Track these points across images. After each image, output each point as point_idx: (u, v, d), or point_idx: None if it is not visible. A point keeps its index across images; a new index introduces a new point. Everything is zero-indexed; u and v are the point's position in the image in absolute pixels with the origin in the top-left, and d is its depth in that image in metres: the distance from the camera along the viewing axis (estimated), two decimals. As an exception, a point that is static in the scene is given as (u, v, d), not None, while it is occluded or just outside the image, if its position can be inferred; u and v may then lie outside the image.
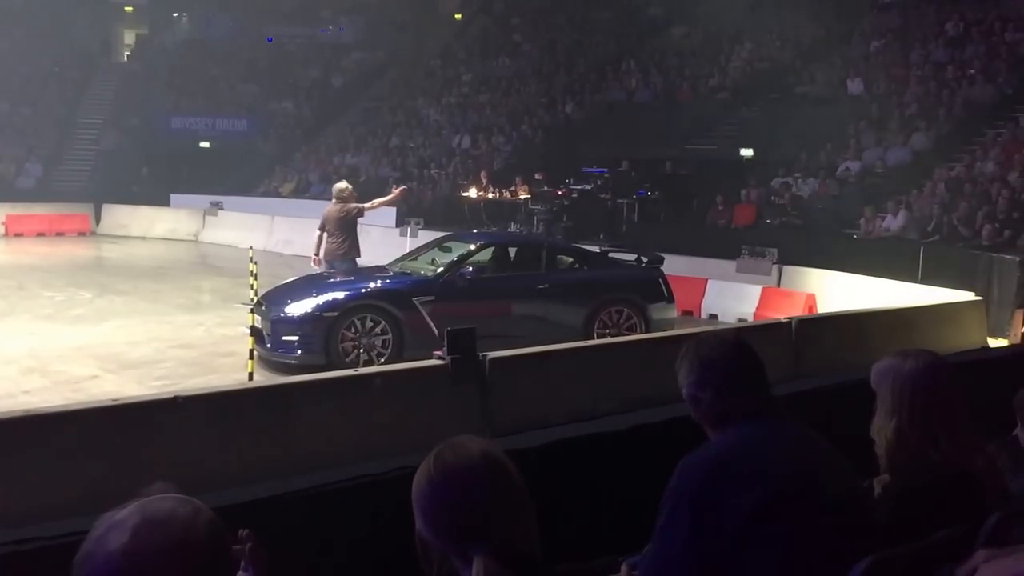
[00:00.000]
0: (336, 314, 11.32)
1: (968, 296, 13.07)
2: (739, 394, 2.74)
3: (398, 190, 15.69)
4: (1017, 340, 12.55)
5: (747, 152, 23.25)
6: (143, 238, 27.22)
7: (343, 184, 14.06)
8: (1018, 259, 14.19)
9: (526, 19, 38.10)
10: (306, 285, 12.40)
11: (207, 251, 25.35)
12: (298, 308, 11.47)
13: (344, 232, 13.25)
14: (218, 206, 27.99)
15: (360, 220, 13.57)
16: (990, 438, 3.47)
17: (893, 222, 17.93)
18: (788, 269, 16.61)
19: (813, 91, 25.14)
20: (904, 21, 26.48)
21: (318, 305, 11.45)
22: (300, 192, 30.66)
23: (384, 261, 13.91)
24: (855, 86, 24.10)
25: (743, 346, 2.90)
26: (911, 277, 14.88)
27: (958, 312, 12.45)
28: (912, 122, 21.37)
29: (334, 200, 13.55)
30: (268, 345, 11.35)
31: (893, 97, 22.75)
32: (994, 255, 14.86)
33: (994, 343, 12.39)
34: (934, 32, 25.12)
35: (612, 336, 12.12)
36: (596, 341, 11.13)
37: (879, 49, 25.49)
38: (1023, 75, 21.92)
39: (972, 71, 22.37)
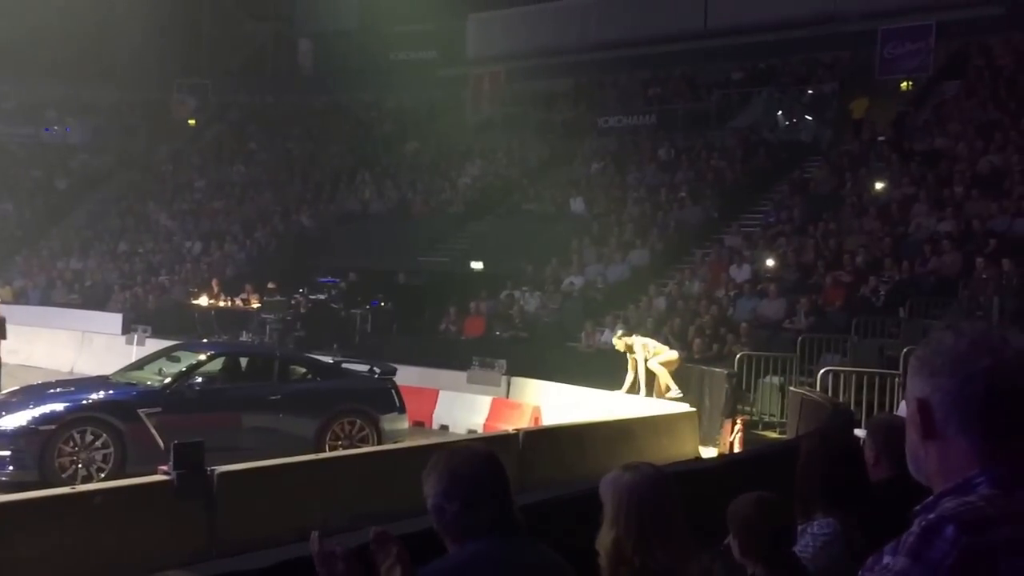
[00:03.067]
0: (53, 427, 10.69)
1: (683, 407, 13.87)
2: (484, 508, 2.74)
3: None
4: (725, 448, 13.24)
5: (477, 265, 23.83)
6: None
7: None
8: (726, 372, 14.97)
9: (262, 128, 38.06)
10: (24, 396, 11.68)
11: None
12: (11, 421, 10.76)
13: None
14: (-76, 312, 25.67)
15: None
16: (705, 547, 3.57)
17: (611, 335, 18.88)
18: (516, 380, 16.87)
19: (539, 208, 26.27)
20: (621, 146, 28.31)
21: (34, 418, 10.79)
22: (20, 297, 28.68)
23: (108, 370, 13.34)
24: (577, 205, 25.27)
25: (494, 460, 2.89)
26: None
27: (674, 423, 13.17)
28: (630, 240, 22.58)
29: None
30: (-26, 462, 10.55)
31: (612, 215, 24.01)
32: (704, 368, 15.76)
33: (705, 451, 13.07)
34: (648, 157, 26.94)
35: (344, 448, 12.10)
36: (328, 454, 11.11)
37: (599, 170, 27.04)
38: (727, 199, 23.69)
39: (683, 194, 23.87)
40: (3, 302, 23.96)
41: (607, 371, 16.22)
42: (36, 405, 11.11)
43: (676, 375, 15.50)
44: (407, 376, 14.93)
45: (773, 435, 14.66)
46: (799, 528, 3.64)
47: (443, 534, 2.80)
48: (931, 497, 1.64)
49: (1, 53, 34.71)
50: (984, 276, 16.38)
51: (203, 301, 24.17)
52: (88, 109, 38.89)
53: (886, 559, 1.55)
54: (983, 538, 1.50)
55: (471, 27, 36.42)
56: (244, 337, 21.84)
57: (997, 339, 1.66)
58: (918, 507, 1.64)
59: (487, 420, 15.79)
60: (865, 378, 13.54)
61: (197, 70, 40.27)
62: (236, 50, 41.24)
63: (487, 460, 2.88)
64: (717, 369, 15.39)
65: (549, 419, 15.05)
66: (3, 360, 16.99)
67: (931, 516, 1.56)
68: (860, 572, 1.61)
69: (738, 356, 15.95)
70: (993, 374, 1.62)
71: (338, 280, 23.87)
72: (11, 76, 36.18)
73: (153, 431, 10.61)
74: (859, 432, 5.49)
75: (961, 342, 1.66)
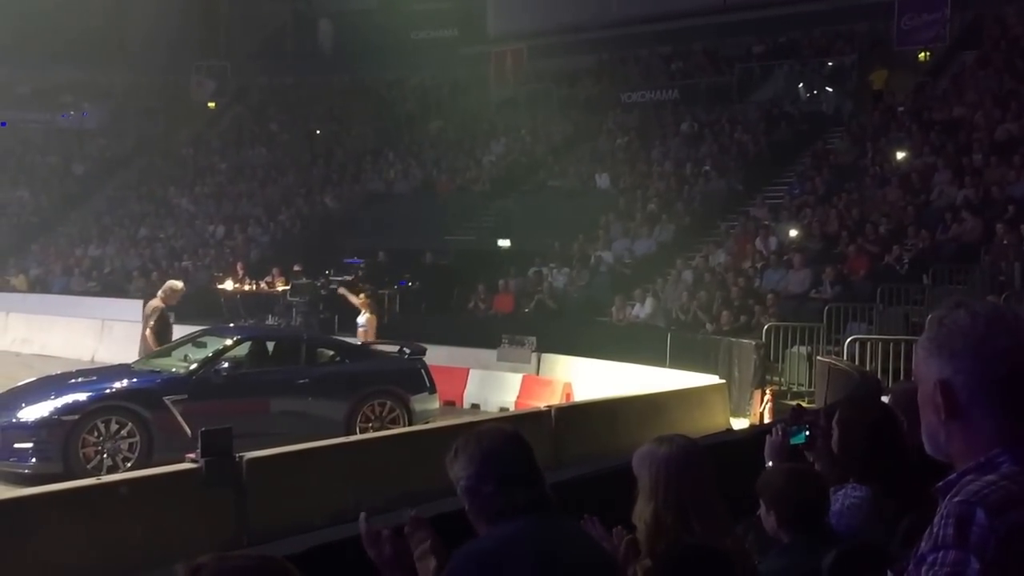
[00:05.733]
0: (77, 417, 10.54)
1: (713, 379, 13.82)
2: (518, 488, 2.74)
3: None
4: (756, 419, 13.29)
5: (504, 242, 23.86)
6: None
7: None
8: (754, 343, 15.10)
9: (283, 109, 37.95)
10: (44, 386, 11.55)
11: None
12: (33, 412, 10.61)
13: None
14: (-60, 302, 25.74)
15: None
16: (737, 519, 3.60)
17: (641, 310, 18.76)
18: (546, 357, 16.95)
19: (564, 184, 26.27)
20: (644, 121, 28.25)
21: (56, 408, 10.64)
22: (36, 286, 28.74)
23: (130, 359, 13.21)
24: (603, 180, 25.32)
25: (521, 439, 2.89)
26: (660, 362, 15.56)
27: (704, 395, 13.18)
28: (656, 215, 22.59)
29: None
30: (-3, 454, 10.43)
31: (638, 190, 24.04)
32: (733, 340, 15.76)
33: (737, 423, 13.12)
34: (671, 131, 26.90)
35: (375, 430, 11.94)
36: (358, 437, 10.96)
37: (623, 146, 26.99)
38: (751, 171, 23.78)
39: (707, 168, 24.00)
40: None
41: (638, 345, 16.22)
42: (58, 395, 10.97)
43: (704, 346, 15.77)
44: (437, 356, 14.83)
45: (803, 404, 14.51)
46: (831, 492, 3.66)
47: (476, 516, 2.78)
48: (953, 475, 1.69)
49: (16, 38, 34.70)
50: (1004, 242, 16.68)
51: (228, 285, 24.05)
52: (105, 93, 38.81)
53: (929, 556, 1.60)
54: (1012, 517, 1.57)
55: (491, 5, 36.31)
56: (271, 321, 21.72)
57: (1012, 318, 1.72)
58: (940, 484, 1.70)
59: (518, 398, 15.82)
60: (891, 345, 13.59)
61: (215, 51, 40.13)
62: (255, 31, 41.07)
63: (516, 439, 2.88)
64: (745, 340, 15.46)
65: (581, 395, 15.05)
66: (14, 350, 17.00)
67: (956, 499, 1.62)
68: (906, 573, 1.65)
69: (766, 327, 16.03)
70: (1014, 355, 1.68)
71: (364, 260, 23.70)
72: (26, 61, 36.11)
73: (179, 418, 10.47)
74: (886, 399, 5.36)
75: (978, 322, 1.70)
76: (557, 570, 2.67)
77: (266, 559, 2.00)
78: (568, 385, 15.62)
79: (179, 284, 14.70)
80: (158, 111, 38.74)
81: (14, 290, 28.22)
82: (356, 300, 16.91)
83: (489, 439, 2.85)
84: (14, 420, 10.54)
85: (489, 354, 17.28)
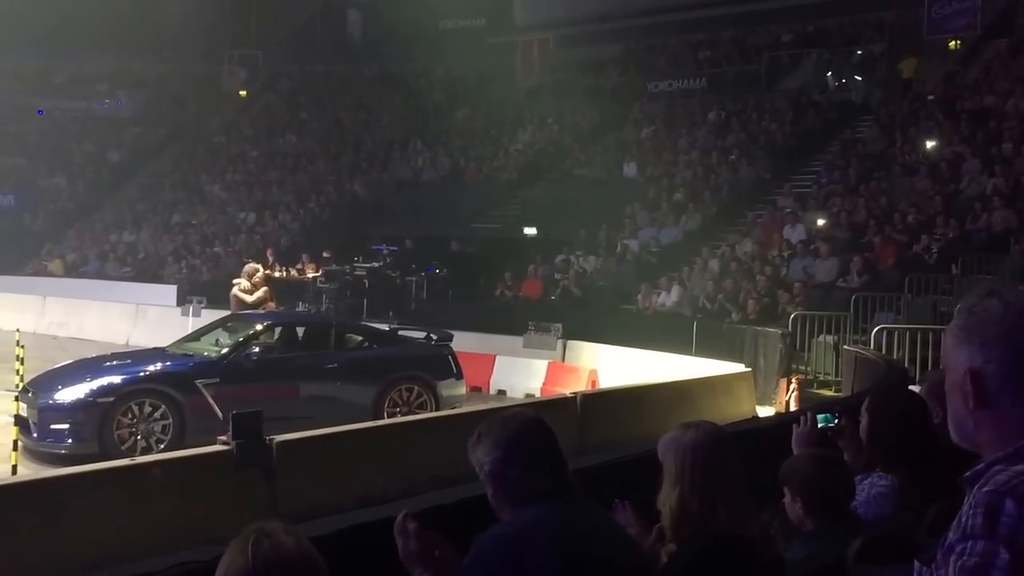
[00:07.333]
0: (111, 399, 10.71)
1: (739, 368, 13.82)
2: (543, 472, 2.75)
3: None
4: (782, 408, 13.29)
5: (531, 230, 23.86)
6: None
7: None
8: (780, 332, 15.12)
9: (312, 98, 38.13)
10: (79, 369, 11.74)
11: (-35, 334, 23.56)
12: (69, 394, 10.80)
13: None
14: (-21, 286, 26.16)
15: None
16: (763, 506, 3.60)
17: (667, 298, 18.79)
18: (572, 344, 16.98)
19: (591, 173, 26.24)
20: (671, 110, 28.16)
21: (92, 390, 10.82)
22: (72, 270, 29.14)
23: (164, 342, 13.39)
24: (630, 169, 25.29)
25: (544, 424, 2.90)
26: (686, 350, 15.59)
27: (730, 383, 13.14)
28: (682, 203, 22.54)
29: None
30: (35, 435, 10.59)
31: (664, 180, 23.98)
32: (759, 328, 15.78)
33: (762, 411, 13.14)
34: (698, 120, 26.80)
35: (402, 415, 12.07)
36: (386, 421, 11.07)
37: (650, 134, 26.91)
38: (778, 160, 23.67)
39: (734, 157, 23.90)
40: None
41: (664, 333, 16.27)
42: (93, 378, 11.12)
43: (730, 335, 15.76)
44: (463, 342, 14.91)
45: (829, 393, 14.61)
46: (856, 481, 3.66)
47: (500, 501, 2.78)
48: (981, 464, 1.67)
49: (53, 28, 35.06)
50: (1035, 232, 16.51)
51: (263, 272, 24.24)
52: (139, 82, 39.18)
53: (958, 546, 1.58)
54: None
55: (518, -5, 36.14)
56: (300, 307, 21.91)
57: None
58: (967, 473, 1.67)
59: (544, 384, 15.87)
60: (919, 335, 13.48)
61: (247, 41, 40.36)
62: (285, 20, 41.20)
63: (539, 424, 2.87)
64: (771, 329, 15.49)
65: (606, 382, 15.07)
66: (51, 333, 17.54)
67: (985, 489, 1.60)
68: (934, 562, 1.65)
69: (792, 316, 15.99)
70: None
71: (391, 247, 23.83)
72: (62, 50, 36.55)
73: (211, 402, 10.62)
74: (914, 388, 5.38)
75: (1010, 312, 1.68)
76: (582, 554, 2.66)
77: (311, 558, 2.08)
78: (594, 372, 15.64)
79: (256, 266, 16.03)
80: (191, 99, 39.10)
81: (51, 275, 28.69)
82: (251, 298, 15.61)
83: (514, 424, 2.84)
84: (51, 402, 10.72)
85: (515, 341, 17.32)
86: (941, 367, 1.87)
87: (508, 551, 2.62)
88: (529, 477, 2.73)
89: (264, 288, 15.72)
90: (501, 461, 2.75)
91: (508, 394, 15.94)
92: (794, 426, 4.30)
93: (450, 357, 13.30)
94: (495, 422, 2.85)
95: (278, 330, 12.96)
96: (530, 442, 2.79)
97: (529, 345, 17.06)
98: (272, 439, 7.63)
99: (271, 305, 15.85)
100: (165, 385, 11.09)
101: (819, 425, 4.22)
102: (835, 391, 14.61)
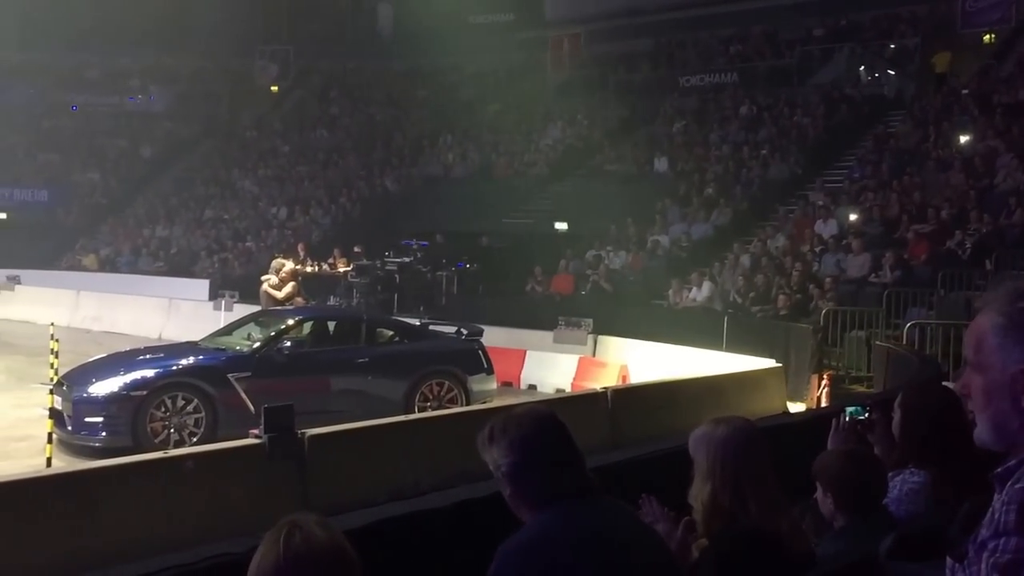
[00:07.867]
0: (145, 393, 10.79)
1: (769, 363, 13.72)
2: (564, 472, 2.68)
3: None
4: (813, 403, 13.18)
5: (561, 226, 23.84)
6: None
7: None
8: (811, 327, 14.97)
9: (343, 93, 38.27)
10: (113, 363, 11.82)
11: (1, 328, 23.84)
12: (103, 387, 10.88)
13: None
14: (15, 280, 26.45)
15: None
16: (794, 501, 3.58)
17: (698, 293, 18.70)
18: (603, 339, 16.93)
19: (621, 168, 26.16)
20: (702, 104, 28.00)
21: (125, 384, 10.89)
22: (106, 265, 29.44)
23: (196, 336, 13.48)
24: (661, 164, 25.20)
25: (559, 421, 2.81)
26: (716, 345, 15.50)
27: (761, 378, 13.07)
28: (713, 199, 22.44)
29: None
30: (69, 427, 10.69)
31: (695, 174, 23.87)
32: (791, 324, 15.66)
33: (793, 407, 13.04)
34: (730, 115, 26.66)
35: (433, 409, 12.09)
36: (417, 415, 11.10)
37: (681, 129, 26.80)
38: (811, 155, 23.49)
39: (765, 152, 23.77)
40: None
41: (694, 329, 16.17)
42: (127, 371, 11.20)
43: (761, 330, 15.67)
44: (494, 337, 14.93)
45: (860, 388, 14.45)
46: (889, 477, 3.67)
47: (520, 502, 2.70)
48: (1013, 461, 1.65)
49: (86, 24, 35.41)
50: (1071, 228, 16.33)
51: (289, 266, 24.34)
52: (171, 77, 39.49)
53: (991, 543, 1.58)
54: None
55: (548, -11, 36.13)
56: (332, 301, 22.00)
57: None
58: (998, 470, 1.66)
59: (574, 379, 15.85)
60: (952, 330, 13.29)
61: (278, 37, 40.58)
62: (316, 16, 41.39)
63: (554, 421, 2.78)
64: (802, 324, 15.38)
65: (636, 377, 15.03)
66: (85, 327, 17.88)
67: (1019, 486, 1.59)
68: (967, 559, 1.63)
69: (824, 311, 15.87)
70: None
71: (422, 242, 23.87)
72: (95, 46, 36.92)
73: (243, 395, 10.68)
74: (947, 384, 5.31)
75: None
76: (610, 553, 2.58)
77: (343, 550, 2.08)
78: (624, 367, 15.60)
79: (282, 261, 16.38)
80: (223, 95, 39.37)
81: (85, 269, 29.01)
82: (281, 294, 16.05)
83: (529, 422, 2.75)
84: (85, 395, 10.81)
85: (545, 336, 17.28)
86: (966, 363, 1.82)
87: (533, 561, 2.54)
88: (548, 477, 2.65)
89: (292, 283, 15.81)
90: (519, 464, 2.67)
91: (538, 389, 15.95)
92: (833, 421, 4.27)
93: (480, 352, 13.30)
94: (509, 421, 2.75)
95: (309, 325, 13.00)
96: (549, 440, 2.71)
97: (559, 340, 17.03)
98: (304, 433, 7.65)
99: (299, 300, 15.92)
100: (198, 379, 11.15)
101: (848, 417, 4.19)
102: (867, 387, 14.44)
